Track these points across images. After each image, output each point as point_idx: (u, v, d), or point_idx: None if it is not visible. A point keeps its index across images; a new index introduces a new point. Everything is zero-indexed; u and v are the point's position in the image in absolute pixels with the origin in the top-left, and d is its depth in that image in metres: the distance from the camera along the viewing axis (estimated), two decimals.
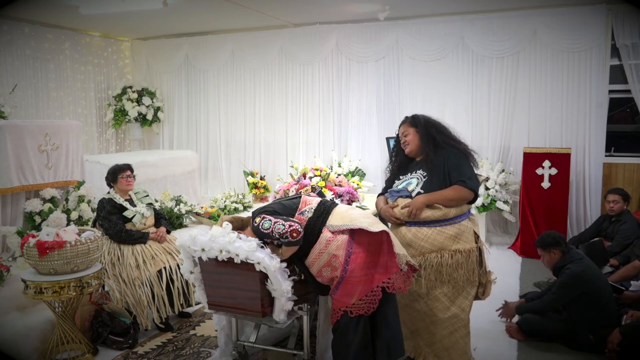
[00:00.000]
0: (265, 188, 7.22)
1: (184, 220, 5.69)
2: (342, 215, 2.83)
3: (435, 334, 3.01)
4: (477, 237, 3.08)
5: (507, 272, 5.18)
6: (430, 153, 3.08)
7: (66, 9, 6.19)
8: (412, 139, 3.16)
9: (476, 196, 3.03)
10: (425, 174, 3.08)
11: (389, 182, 3.32)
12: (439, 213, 2.95)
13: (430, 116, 3.25)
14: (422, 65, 6.86)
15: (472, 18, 6.53)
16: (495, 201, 6.04)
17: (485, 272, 3.11)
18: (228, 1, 5.99)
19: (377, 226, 2.73)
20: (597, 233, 5.26)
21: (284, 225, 2.70)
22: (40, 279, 3.32)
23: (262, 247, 2.74)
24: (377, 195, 3.41)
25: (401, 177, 3.21)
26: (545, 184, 5.84)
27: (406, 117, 3.29)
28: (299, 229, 2.71)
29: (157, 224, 4.21)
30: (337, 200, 3.37)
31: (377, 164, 7.20)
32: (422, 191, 3.01)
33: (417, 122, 3.19)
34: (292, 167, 6.82)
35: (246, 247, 2.69)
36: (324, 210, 2.88)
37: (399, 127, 3.28)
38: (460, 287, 3.00)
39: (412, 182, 3.10)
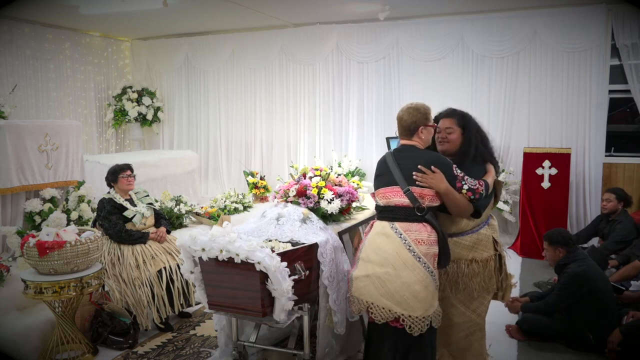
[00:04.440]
0: (265, 188, 7.22)
1: (184, 220, 5.69)
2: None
3: (450, 336, 3.01)
4: (496, 243, 2.98)
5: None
6: (463, 162, 2.86)
7: (66, 9, 6.20)
8: (454, 139, 2.91)
9: (477, 213, 2.86)
10: None
11: None
12: (461, 224, 2.90)
13: (478, 121, 3.02)
14: (422, 65, 6.86)
15: (472, 18, 6.53)
16: None
17: (506, 276, 3.06)
18: (228, 1, 5.99)
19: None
20: (594, 232, 5.28)
21: (474, 179, 2.76)
22: (40, 279, 3.32)
23: (262, 247, 2.74)
24: None
25: None
26: (545, 184, 5.84)
27: (453, 111, 2.98)
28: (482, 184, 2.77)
29: (157, 224, 4.21)
30: (337, 200, 3.37)
31: None
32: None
33: (467, 124, 2.93)
34: (292, 167, 6.82)
35: (246, 247, 2.68)
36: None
37: (441, 119, 2.97)
38: (476, 294, 2.96)
39: None
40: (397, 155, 2.83)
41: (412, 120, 2.81)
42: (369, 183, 6.91)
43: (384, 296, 2.70)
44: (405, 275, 2.67)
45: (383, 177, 2.84)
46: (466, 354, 3.03)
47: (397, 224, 2.74)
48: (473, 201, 2.75)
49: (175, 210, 5.64)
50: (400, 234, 2.71)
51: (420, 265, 2.68)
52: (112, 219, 3.93)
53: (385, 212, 2.81)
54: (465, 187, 2.71)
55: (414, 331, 2.66)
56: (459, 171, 2.74)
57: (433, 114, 2.98)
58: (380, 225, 2.81)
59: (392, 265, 2.70)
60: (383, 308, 2.70)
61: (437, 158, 2.78)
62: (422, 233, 2.70)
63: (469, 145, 2.91)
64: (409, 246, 2.69)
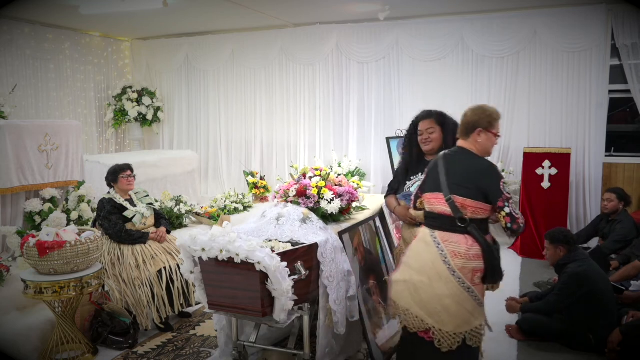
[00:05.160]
0: (265, 188, 7.22)
1: (184, 220, 5.69)
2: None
3: None
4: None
5: (507, 272, 5.02)
6: None
7: (66, 9, 6.20)
8: (437, 138, 3.05)
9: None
10: None
11: (398, 183, 3.25)
12: None
13: (451, 115, 3.14)
14: (422, 65, 6.86)
15: (472, 18, 6.53)
16: None
17: None
18: (228, 1, 5.99)
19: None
20: (594, 232, 5.28)
21: (518, 208, 2.62)
22: (40, 279, 3.32)
23: (262, 247, 2.74)
24: (385, 195, 3.39)
25: (412, 178, 3.15)
26: (545, 184, 5.84)
27: (430, 112, 3.12)
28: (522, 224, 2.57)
29: (157, 224, 4.21)
30: (337, 200, 3.37)
31: (377, 164, 7.20)
32: None
33: (445, 121, 3.07)
34: (292, 167, 6.82)
35: (246, 247, 2.68)
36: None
37: (420, 121, 3.12)
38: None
39: None
40: (448, 159, 2.70)
41: (474, 119, 2.67)
42: (369, 183, 6.92)
43: (418, 305, 2.62)
44: (438, 288, 2.57)
45: (431, 181, 2.72)
46: None
47: (437, 233, 2.63)
48: (508, 228, 2.56)
49: (175, 210, 5.64)
50: (438, 244, 2.61)
51: (454, 280, 2.55)
52: (112, 219, 3.93)
53: (428, 219, 2.72)
54: (507, 210, 2.53)
55: (443, 346, 2.55)
56: (506, 190, 2.57)
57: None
58: (422, 232, 2.73)
59: (427, 275, 2.61)
60: (416, 317, 2.62)
61: (489, 169, 2.62)
62: (460, 245, 2.57)
63: (450, 138, 3.00)
64: (445, 258, 2.57)
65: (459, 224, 2.57)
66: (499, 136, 2.74)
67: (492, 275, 2.62)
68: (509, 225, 2.54)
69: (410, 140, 3.17)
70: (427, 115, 3.13)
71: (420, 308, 2.61)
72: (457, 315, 2.55)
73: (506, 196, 2.55)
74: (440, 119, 3.11)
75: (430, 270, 2.60)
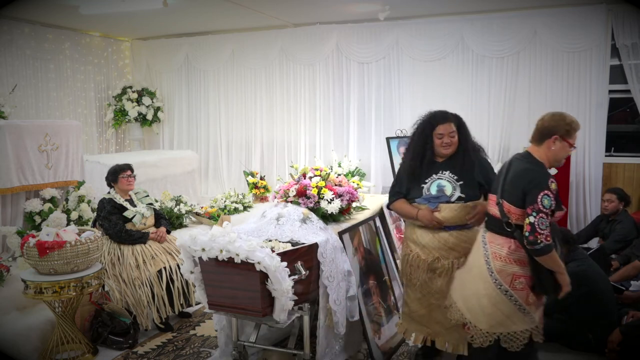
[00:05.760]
0: (265, 188, 7.22)
1: (184, 220, 5.69)
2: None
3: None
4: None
5: None
6: (468, 156, 3.02)
7: (66, 9, 6.19)
8: (456, 141, 3.04)
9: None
10: (456, 177, 3.01)
11: (404, 186, 3.12)
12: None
13: None
14: (422, 65, 6.86)
15: (472, 18, 6.53)
16: None
17: None
18: (228, 1, 5.99)
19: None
20: (594, 232, 5.27)
21: (547, 226, 2.45)
22: (40, 279, 3.32)
23: (262, 247, 2.74)
24: (392, 201, 3.20)
25: (427, 181, 3.05)
26: None
27: (447, 114, 3.07)
28: (551, 242, 2.45)
29: (157, 224, 4.21)
30: (337, 200, 3.37)
31: (377, 164, 7.20)
32: (463, 195, 2.97)
33: (461, 123, 3.09)
34: (292, 167, 6.82)
35: (246, 247, 2.68)
36: None
37: (439, 124, 3.01)
38: None
39: (445, 185, 3.01)
40: (512, 162, 2.70)
41: (552, 124, 2.62)
42: (369, 183, 6.92)
43: (462, 299, 2.70)
44: (478, 286, 2.62)
45: (495, 182, 2.75)
46: (459, 345, 3.04)
47: (487, 234, 2.69)
48: (525, 237, 2.45)
49: (175, 210, 5.63)
50: (485, 244, 2.66)
51: (491, 281, 2.58)
52: (112, 219, 3.93)
53: (486, 219, 2.79)
54: (531, 219, 2.44)
55: (475, 342, 2.61)
56: (544, 203, 2.46)
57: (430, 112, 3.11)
58: (479, 231, 2.83)
59: (472, 272, 2.69)
60: (459, 310, 2.69)
61: (537, 177, 2.54)
62: (503, 248, 2.58)
63: (467, 141, 3.07)
64: (487, 258, 2.62)
65: (507, 229, 2.57)
66: (574, 147, 2.65)
67: (539, 284, 2.56)
68: (526, 234, 2.45)
69: (426, 143, 3.04)
70: (445, 117, 3.05)
71: (463, 302, 2.69)
72: (492, 315, 2.57)
73: (538, 207, 2.45)
74: (457, 120, 3.08)
75: (475, 269, 2.67)
